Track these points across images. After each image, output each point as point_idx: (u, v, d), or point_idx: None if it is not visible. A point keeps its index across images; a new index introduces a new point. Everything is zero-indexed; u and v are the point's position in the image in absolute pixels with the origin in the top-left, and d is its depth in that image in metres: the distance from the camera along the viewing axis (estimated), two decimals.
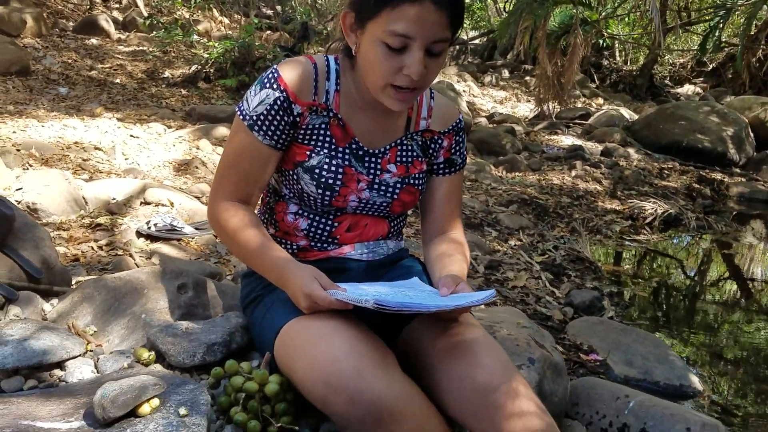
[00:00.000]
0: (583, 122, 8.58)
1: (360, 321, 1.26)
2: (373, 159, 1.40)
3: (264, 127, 1.31)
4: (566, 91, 8.15)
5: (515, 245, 3.99)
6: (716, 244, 4.74)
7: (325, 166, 1.35)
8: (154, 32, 8.40)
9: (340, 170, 1.35)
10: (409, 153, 1.45)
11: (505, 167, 5.99)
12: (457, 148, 1.52)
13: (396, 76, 1.24)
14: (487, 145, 6.58)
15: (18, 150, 3.70)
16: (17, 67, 5.78)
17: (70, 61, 6.82)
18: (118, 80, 6.61)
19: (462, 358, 1.24)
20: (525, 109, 9.79)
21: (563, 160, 6.53)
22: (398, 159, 1.43)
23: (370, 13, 1.22)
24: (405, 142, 1.45)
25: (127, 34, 8.72)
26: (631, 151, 7.17)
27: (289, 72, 1.32)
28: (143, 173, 3.62)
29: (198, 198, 3.38)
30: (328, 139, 1.36)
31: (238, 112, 1.33)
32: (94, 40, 7.90)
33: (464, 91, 9.76)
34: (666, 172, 6.64)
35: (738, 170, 7.24)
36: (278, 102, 1.30)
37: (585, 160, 6.48)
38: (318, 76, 1.35)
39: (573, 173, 6.03)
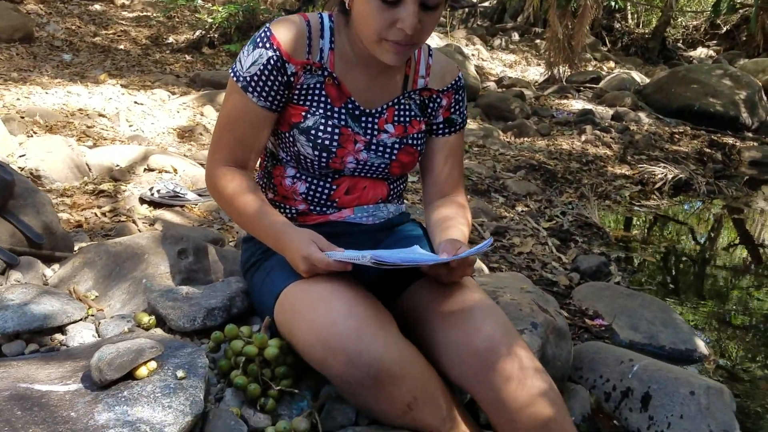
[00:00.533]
0: (594, 86, 8.45)
1: (359, 284, 1.26)
2: (370, 119, 1.38)
3: (258, 89, 1.28)
4: (577, 54, 8.01)
5: (522, 211, 3.96)
6: (726, 209, 4.69)
7: (321, 127, 1.32)
8: None
9: (337, 131, 1.33)
10: (407, 112, 1.42)
11: (513, 132, 5.92)
12: (457, 107, 1.48)
13: (390, 30, 1.21)
14: (495, 109, 6.50)
15: (22, 117, 3.69)
16: (20, 34, 5.73)
17: (73, 27, 6.76)
18: (122, 46, 6.56)
19: (462, 321, 1.23)
20: (535, 72, 9.64)
21: (573, 125, 6.45)
22: (396, 119, 1.40)
23: None
24: (402, 101, 1.42)
25: None
26: (642, 115, 7.07)
27: (282, 31, 1.29)
28: (147, 140, 3.60)
29: (202, 164, 3.37)
30: (323, 98, 1.33)
31: (232, 74, 1.31)
32: (97, 6, 7.83)
33: (473, 54, 9.61)
34: (677, 136, 6.54)
35: (750, 134, 7.12)
36: (271, 61, 1.27)
37: (595, 125, 6.39)
38: (311, 34, 1.32)
39: (583, 138, 5.96)
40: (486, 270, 2.77)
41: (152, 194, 2.48)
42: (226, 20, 6.76)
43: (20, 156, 2.59)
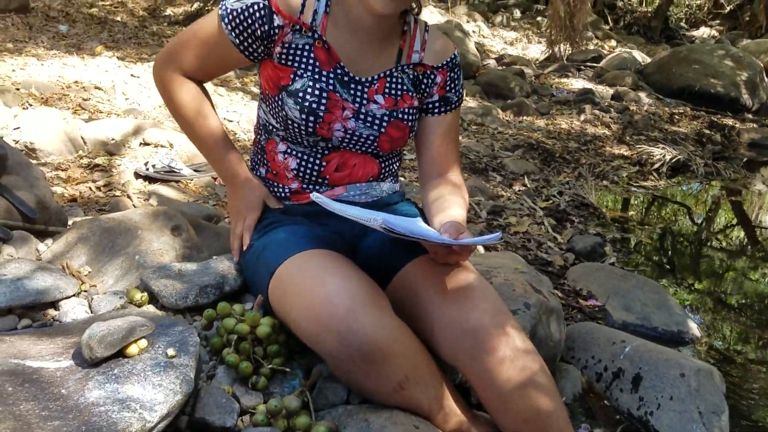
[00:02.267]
0: (595, 65, 8.39)
1: (353, 262, 1.26)
2: (359, 87, 1.37)
3: (233, 24, 1.30)
4: (578, 32, 7.93)
5: (519, 190, 3.96)
6: (724, 191, 4.69)
7: (309, 89, 1.32)
8: None
9: (324, 95, 1.33)
10: (399, 86, 1.41)
11: (512, 111, 5.89)
12: (452, 85, 1.47)
13: None
14: (495, 88, 6.46)
15: (17, 89, 3.66)
16: (16, 4, 5.65)
17: None
18: (118, 18, 6.48)
19: (455, 301, 1.24)
20: (536, 50, 9.56)
21: (572, 104, 6.42)
22: (386, 91, 1.39)
23: None
24: (395, 74, 1.40)
25: None
26: (642, 95, 7.03)
27: None
28: (143, 113, 3.57)
29: None
30: (311, 61, 1.33)
31: (220, 4, 1.33)
32: None
33: (473, 31, 9.52)
34: (677, 117, 6.51)
35: (750, 116, 7.10)
36: (256, 6, 1.29)
37: (595, 104, 6.36)
38: None
39: (582, 117, 5.94)
40: (481, 249, 2.77)
41: (147, 169, 2.47)
42: None
43: (15, 129, 2.57)
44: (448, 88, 1.47)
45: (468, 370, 1.22)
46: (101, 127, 2.84)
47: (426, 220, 1.45)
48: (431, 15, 9.37)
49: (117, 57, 4.83)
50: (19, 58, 4.42)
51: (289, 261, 1.23)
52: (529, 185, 4.09)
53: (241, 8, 1.28)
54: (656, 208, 4.24)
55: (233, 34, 1.30)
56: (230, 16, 1.29)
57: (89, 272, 1.43)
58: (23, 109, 3.24)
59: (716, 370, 1.81)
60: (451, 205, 1.40)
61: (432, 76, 1.45)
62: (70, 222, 1.78)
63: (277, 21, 1.29)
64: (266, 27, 1.29)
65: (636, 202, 4.28)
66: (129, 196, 2.19)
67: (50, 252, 1.48)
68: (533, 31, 10.69)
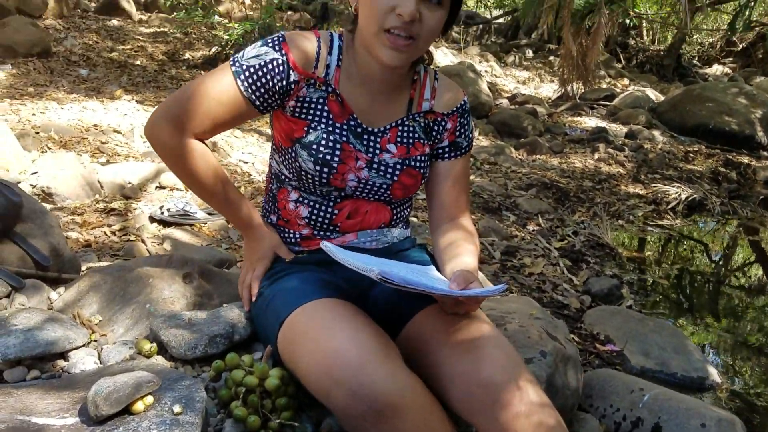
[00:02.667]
0: (608, 103, 8.41)
1: (364, 312, 1.24)
2: (372, 137, 1.38)
3: (250, 81, 1.28)
4: (590, 71, 7.98)
5: (534, 230, 3.94)
6: (741, 229, 4.63)
7: (323, 142, 1.32)
8: (175, 13, 8.38)
9: (338, 146, 1.33)
10: (411, 134, 1.42)
11: (526, 150, 5.90)
12: (462, 130, 1.48)
13: (389, 16, 1.22)
14: (507, 127, 6.48)
15: (37, 133, 3.73)
16: (38, 49, 5.80)
17: (91, 42, 6.84)
18: (138, 62, 6.62)
19: (468, 353, 1.21)
20: (548, 89, 9.62)
21: (586, 143, 6.42)
22: (398, 140, 1.40)
23: None
24: (406, 122, 1.42)
25: (149, 15, 8.73)
26: (657, 133, 7.02)
27: (294, 40, 1.32)
28: None
29: None
30: (325, 114, 1.34)
31: (231, 60, 1.31)
32: (115, 21, 7.92)
33: (486, 71, 9.62)
34: (691, 155, 6.49)
35: (766, 153, 7.05)
36: (275, 62, 1.29)
37: (608, 143, 6.35)
38: (320, 50, 1.33)
39: (596, 156, 5.93)
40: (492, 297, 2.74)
41: (162, 213, 2.49)
42: (242, 37, 6.81)
43: (32, 173, 2.61)
44: (458, 133, 1.48)
45: (481, 425, 1.19)
46: (118, 171, 2.88)
47: (437, 267, 1.44)
48: (444, 56, 9.50)
49: (136, 100, 4.93)
50: (40, 101, 4.52)
51: (298, 311, 1.22)
52: (543, 225, 4.06)
53: (260, 64, 1.28)
54: (673, 248, 4.19)
55: (250, 90, 1.29)
56: (246, 72, 1.28)
57: (100, 321, 1.43)
58: (42, 153, 3.30)
59: (738, 419, 1.76)
60: (462, 252, 1.39)
61: (443, 123, 1.46)
62: (84, 268, 1.79)
63: (293, 76, 1.30)
64: (284, 82, 1.30)
65: (652, 241, 4.23)
66: (143, 241, 2.20)
67: (62, 300, 1.48)
68: (545, 70, 10.78)
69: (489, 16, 14.23)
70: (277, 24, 7.21)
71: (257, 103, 1.31)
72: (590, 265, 3.51)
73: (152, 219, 2.46)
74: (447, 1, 1.25)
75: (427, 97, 1.45)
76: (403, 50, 1.25)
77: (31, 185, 2.53)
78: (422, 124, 1.44)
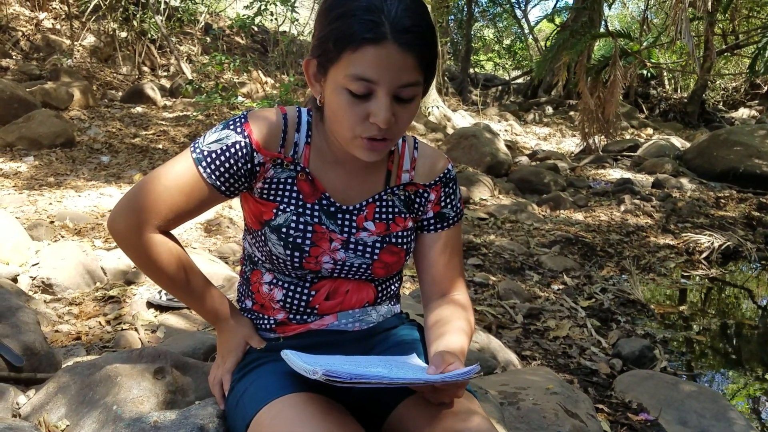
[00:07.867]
0: (632, 154, 8.27)
1: (338, 407, 1.12)
2: (348, 216, 1.27)
3: (213, 166, 1.19)
4: (611, 123, 7.88)
5: (559, 290, 3.76)
6: None
7: (293, 224, 1.22)
8: (196, 97, 8.62)
9: (309, 228, 1.23)
10: (390, 209, 1.31)
11: (548, 205, 5.76)
12: (448, 200, 1.37)
13: (363, 125, 1.12)
14: (528, 183, 6.38)
15: (51, 222, 3.75)
16: (62, 140, 5.96)
17: (114, 130, 7.02)
18: (160, 146, 6.75)
19: None
20: (570, 144, 9.54)
21: (611, 195, 6.25)
22: (377, 216, 1.29)
23: (331, 58, 1.10)
24: (384, 197, 1.31)
25: (174, 100, 8.98)
26: (684, 181, 6.83)
27: (257, 120, 1.22)
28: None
29: (223, 259, 3.32)
30: (294, 194, 1.24)
31: (191, 146, 1.23)
32: (139, 109, 8.15)
33: (505, 130, 9.61)
34: (723, 201, 6.26)
35: None
36: (237, 146, 1.19)
37: (634, 194, 6.18)
38: (287, 128, 1.24)
39: (622, 208, 5.75)
40: (516, 361, 2.57)
41: (161, 297, 2.41)
42: None
43: (33, 265, 2.58)
44: (443, 204, 1.37)
45: None
46: (122, 256, 2.83)
47: (424, 346, 1.31)
48: (463, 119, 9.53)
49: None
50: (58, 190, 4.59)
51: (264, 410, 1.10)
52: (569, 283, 3.88)
53: (221, 149, 1.21)
54: (708, 301, 3.95)
55: (213, 176, 1.21)
56: (208, 159, 1.20)
57: (67, 426, 1.33)
58: (54, 242, 3.30)
59: None
60: (448, 330, 1.26)
61: (425, 194, 1.35)
62: (67, 364, 1.70)
63: (258, 158, 1.22)
64: (249, 165, 1.22)
65: (686, 295, 4.00)
66: (136, 329, 2.12)
67: (30, 405, 1.39)
68: (566, 125, 10.73)
69: (507, 78, 14.39)
70: (297, 100, 7.31)
71: (222, 188, 1.23)
72: (620, 324, 3.31)
73: (150, 304, 2.39)
74: (419, 91, 1.15)
75: (407, 168, 1.35)
76: (381, 149, 1.16)
77: (31, 277, 2.49)
78: (402, 197, 1.34)
